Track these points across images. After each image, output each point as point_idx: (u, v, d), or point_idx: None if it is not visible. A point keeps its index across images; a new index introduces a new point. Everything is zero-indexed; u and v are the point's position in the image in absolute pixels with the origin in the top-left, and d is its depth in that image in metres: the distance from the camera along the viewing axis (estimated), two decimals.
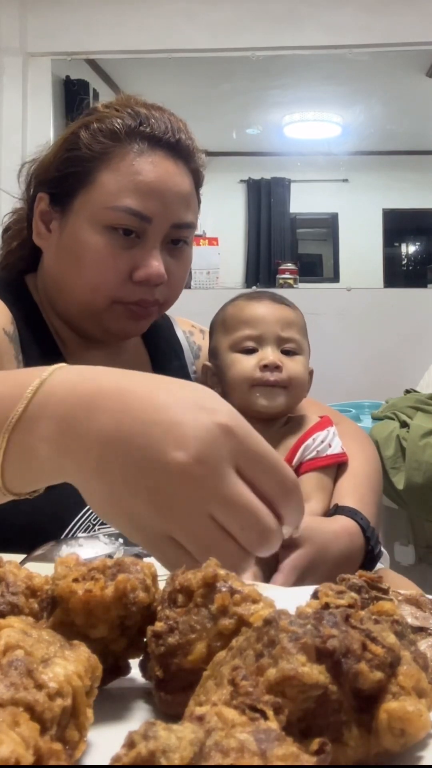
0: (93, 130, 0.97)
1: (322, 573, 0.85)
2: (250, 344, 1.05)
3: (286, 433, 1.05)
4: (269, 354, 1.03)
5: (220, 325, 1.11)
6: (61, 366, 0.57)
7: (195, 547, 0.49)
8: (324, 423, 1.06)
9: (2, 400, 0.55)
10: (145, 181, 0.95)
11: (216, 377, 1.09)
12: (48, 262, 1.03)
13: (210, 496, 0.48)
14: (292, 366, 1.04)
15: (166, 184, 0.96)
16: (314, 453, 1.01)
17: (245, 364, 1.04)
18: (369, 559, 0.92)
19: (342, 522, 0.92)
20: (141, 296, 0.97)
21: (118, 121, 0.96)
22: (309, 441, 1.01)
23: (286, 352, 1.05)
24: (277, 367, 1.02)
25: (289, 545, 0.86)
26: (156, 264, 0.96)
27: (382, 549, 0.99)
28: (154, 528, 0.50)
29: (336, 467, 1.02)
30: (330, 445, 1.02)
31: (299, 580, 0.84)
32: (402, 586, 0.98)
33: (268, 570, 0.86)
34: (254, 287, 4.59)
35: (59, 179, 0.99)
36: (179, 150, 0.99)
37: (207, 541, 0.49)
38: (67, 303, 1.01)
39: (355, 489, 0.99)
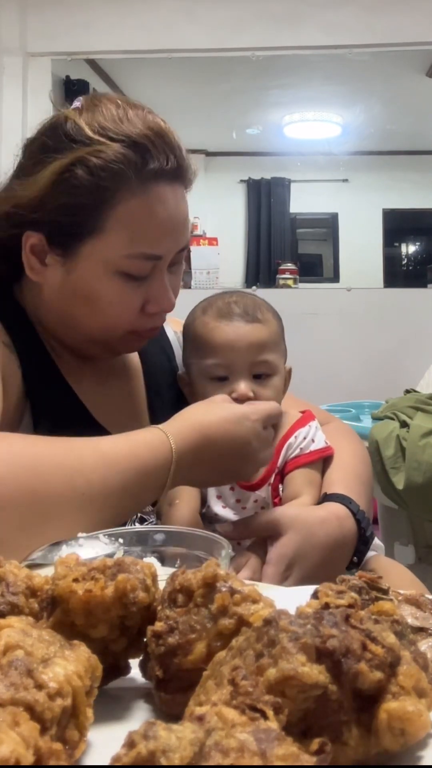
0: (93, 170, 0.88)
1: (313, 558, 0.87)
2: (221, 372, 1.02)
3: None
4: (240, 386, 0.99)
5: (189, 341, 1.08)
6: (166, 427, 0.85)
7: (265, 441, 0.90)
8: (305, 419, 1.05)
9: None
10: (156, 223, 0.91)
11: (189, 388, 1.07)
12: (48, 296, 0.97)
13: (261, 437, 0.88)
14: (264, 393, 1.01)
15: (173, 219, 0.93)
16: (298, 451, 1.01)
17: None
18: (362, 542, 0.93)
19: (330, 507, 0.92)
20: (153, 324, 0.98)
21: (118, 156, 0.88)
22: (291, 439, 1.01)
23: (259, 375, 1.02)
24: (247, 398, 0.99)
25: (274, 535, 0.88)
26: (168, 296, 0.96)
27: (375, 536, 1.00)
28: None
29: (322, 462, 1.03)
30: (313, 440, 1.02)
31: (288, 567, 0.86)
32: (394, 572, 0.99)
33: (260, 556, 0.87)
34: (254, 287, 4.59)
35: (58, 225, 0.91)
36: (179, 174, 0.94)
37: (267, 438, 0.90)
38: (73, 333, 0.99)
39: (343, 478, 1.00)
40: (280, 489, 1.01)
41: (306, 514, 0.91)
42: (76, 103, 0.94)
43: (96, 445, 0.78)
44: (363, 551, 0.93)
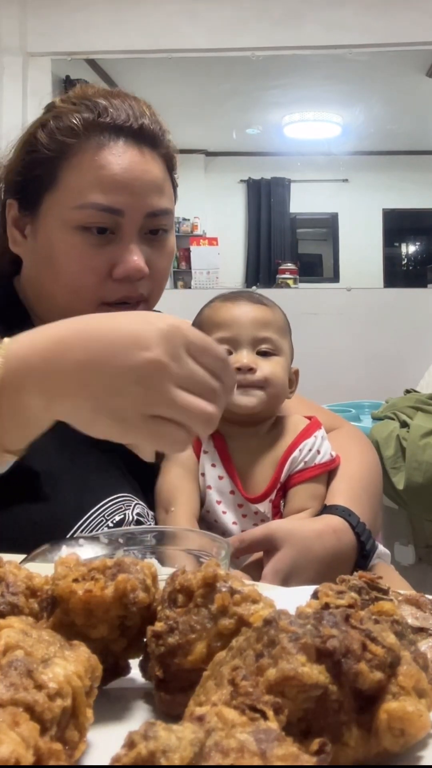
0: (50, 129, 0.94)
1: (310, 573, 0.84)
2: (225, 347, 0.99)
3: (273, 441, 1.02)
4: (243, 357, 0.99)
5: (197, 328, 1.08)
6: (12, 338, 0.65)
7: (176, 411, 0.60)
8: (311, 428, 1.02)
9: None
10: (109, 174, 0.90)
11: None
12: (26, 269, 0.99)
13: (177, 375, 0.60)
14: (268, 366, 1.00)
15: (133, 173, 0.91)
16: (302, 464, 0.98)
17: None
18: (362, 556, 0.91)
19: (327, 520, 0.90)
20: (124, 294, 0.93)
21: (75, 116, 0.93)
22: (296, 453, 0.98)
23: (263, 353, 1.01)
24: (250, 369, 0.98)
25: (270, 550, 0.85)
26: (134, 259, 0.91)
27: (381, 546, 0.98)
28: (138, 413, 0.60)
29: (327, 473, 1.00)
30: (318, 452, 0.99)
31: (284, 582, 0.83)
32: (395, 582, 0.97)
33: (256, 577, 0.85)
34: (254, 287, 4.59)
35: (23, 184, 0.95)
36: (143, 136, 0.94)
37: (185, 403, 0.60)
38: (47, 309, 0.97)
39: (347, 489, 0.97)
40: (282, 505, 0.98)
41: (302, 528, 0.88)
42: None
43: None
44: (363, 565, 0.91)
